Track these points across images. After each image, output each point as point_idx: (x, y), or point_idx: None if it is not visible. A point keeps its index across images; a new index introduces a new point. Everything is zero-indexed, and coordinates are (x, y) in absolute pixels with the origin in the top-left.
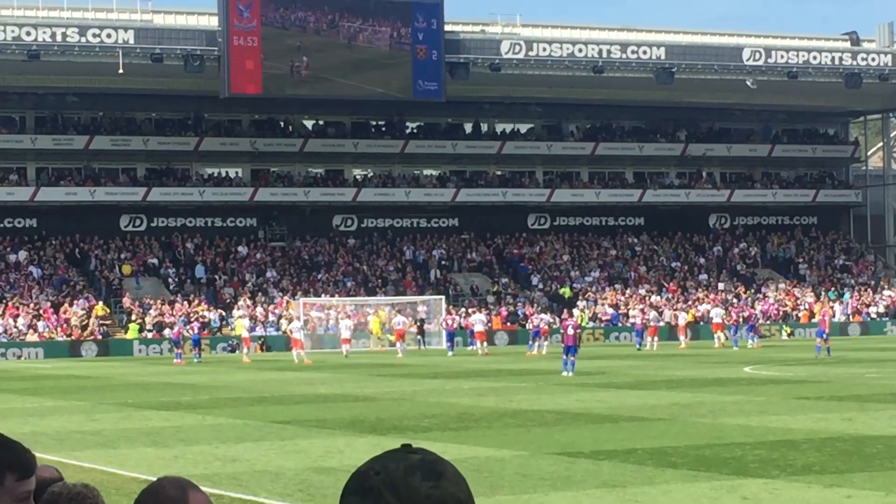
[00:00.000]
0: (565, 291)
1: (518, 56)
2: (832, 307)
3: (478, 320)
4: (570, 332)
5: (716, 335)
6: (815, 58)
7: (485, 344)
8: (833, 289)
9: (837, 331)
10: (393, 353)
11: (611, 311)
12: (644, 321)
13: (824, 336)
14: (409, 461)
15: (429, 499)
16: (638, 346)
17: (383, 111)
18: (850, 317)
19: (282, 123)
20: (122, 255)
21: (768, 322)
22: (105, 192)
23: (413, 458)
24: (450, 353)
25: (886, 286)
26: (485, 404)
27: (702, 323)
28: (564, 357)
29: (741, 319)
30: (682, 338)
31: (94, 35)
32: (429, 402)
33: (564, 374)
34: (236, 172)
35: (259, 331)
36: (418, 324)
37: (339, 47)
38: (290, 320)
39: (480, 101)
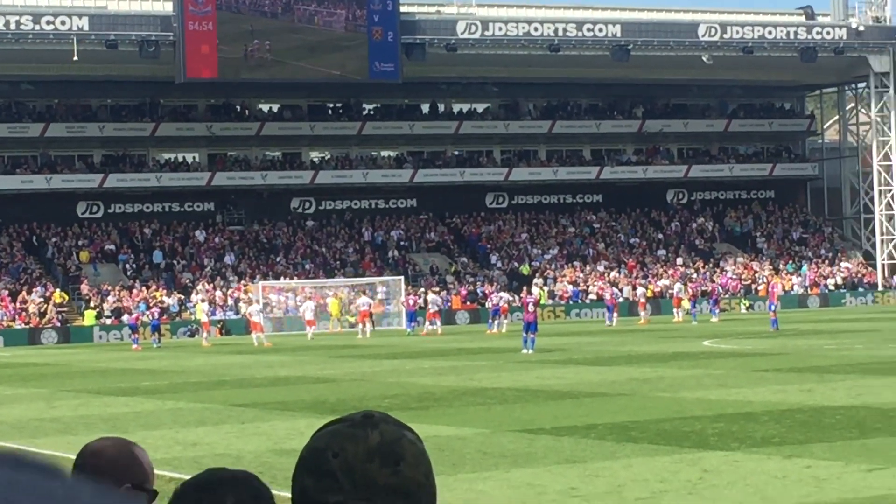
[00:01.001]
0: (524, 269)
1: (474, 36)
2: (784, 280)
3: (430, 301)
4: (531, 309)
5: (675, 310)
6: (770, 32)
7: (438, 322)
8: (791, 262)
9: (796, 303)
10: (353, 334)
11: (570, 288)
12: (613, 297)
13: (773, 309)
14: (368, 444)
15: (387, 487)
16: (610, 323)
17: (340, 93)
18: (809, 289)
19: (238, 107)
20: (80, 242)
21: (727, 296)
22: (61, 179)
23: (373, 438)
24: (408, 331)
25: (844, 258)
26: (445, 383)
27: (661, 298)
28: (524, 335)
29: (699, 294)
30: (642, 313)
31: (48, 22)
32: (389, 383)
33: (524, 351)
34: (193, 157)
35: (219, 315)
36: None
37: (295, 30)
38: (250, 304)
39: (437, 82)
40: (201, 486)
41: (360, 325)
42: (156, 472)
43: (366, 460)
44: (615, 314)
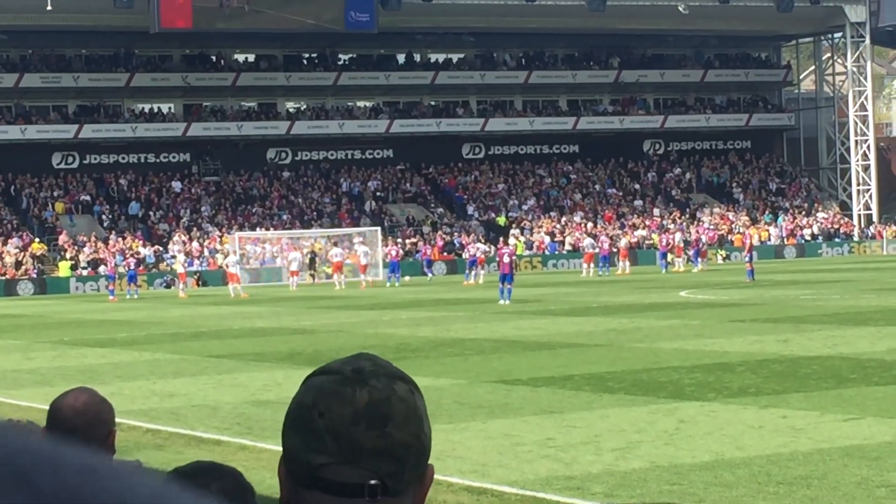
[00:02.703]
0: (501, 220)
1: None
2: (760, 230)
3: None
4: (507, 260)
5: (677, 259)
6: None
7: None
8: (767, 212)
9: (772, 254)
10: (330, 285)
11: (547, 238)
12: (611, 247)
13: (749, 259)
14: (355, 405)
15: (372, 451)
16: (603, 272)
17: (315, 44)
18: (785, 239)
19: (213, 58)
20: (55, 193)
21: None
22: (36, 129)
23: (360, 398)
24: (388, 284)
25: (820, 208)
26: (422, 334)
27: (639, 248)
28: (501, 286)
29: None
30: (622, 263)
31: None
32: (366, 334)
33: (501, 302)
34: (169, 108)
35: (195, 265)
36: (310, 256)
37: None
38: (226, 255)
39: (413, 32)
40: (187, 474)
41: (336, 276)
42: (133, 422)
43: (352, 423)
44: (589, 265)
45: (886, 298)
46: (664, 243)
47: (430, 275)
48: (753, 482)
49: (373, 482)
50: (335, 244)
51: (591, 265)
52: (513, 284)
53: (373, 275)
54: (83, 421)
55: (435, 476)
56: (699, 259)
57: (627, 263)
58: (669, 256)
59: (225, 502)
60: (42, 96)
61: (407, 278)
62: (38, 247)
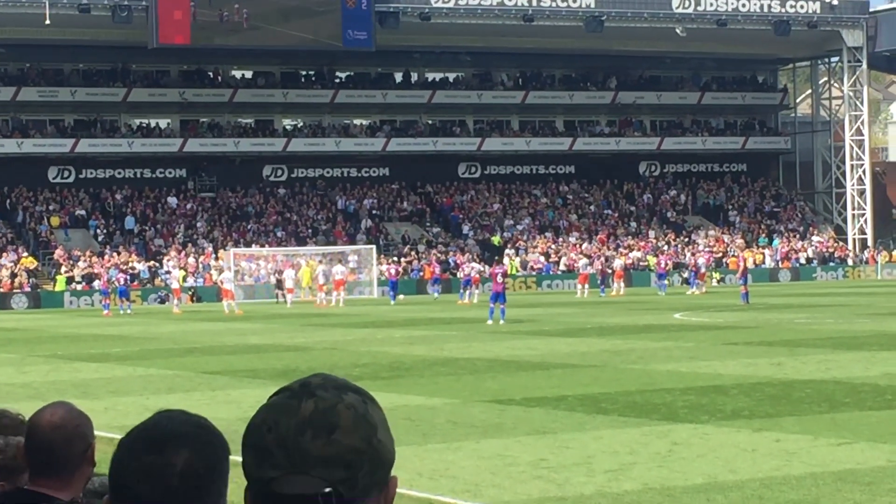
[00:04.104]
0: (496, 240)
1: (448, 5)
2: (754, 253)
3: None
4: (499, 280)
5: (699, 282)
6: (744, 6)
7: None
8: (762, 235)
9: (767, 277)
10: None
11: (542, 259)
12: (605, 268)
13: (744, 282)
14: (301, 415)
15: (320, 458)
16: (602, 293)
17: (313, 61)
18: (780, 263)
19: (211, 74)
20: (51, 207)
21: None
22: (33, 143)
23: (306, 408)
24: (392, 302)
25: (815, 232)
26: (416, 353)
27: (634, 270)
28: (491, 305)
29: (672, 267)
30: (617, 284)
31: None
32: (360, 352)
33: (489, 322)
34: (166, 123)
35: (190, 281)
36: (276, 275)
37: None
38: (221, 271)
39: (410, 51)
40: (149, 443)
41: (336, 294)
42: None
43: (297, 433)
44: (583, 286)
45: (880, 323)
46: (662, 264)
47: (436, 294)
48: None
49: (326, 490)
50: (339, 262)
51: (586, 286)
52: (505, 304)
53: (367, 292)
54: (61, 436)
55: (428, 496)
56: (696, 282)
57: (622, 284)
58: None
59: (192, 482)
60: (39, 110)
61: (402, 297)
62: (27, 261)
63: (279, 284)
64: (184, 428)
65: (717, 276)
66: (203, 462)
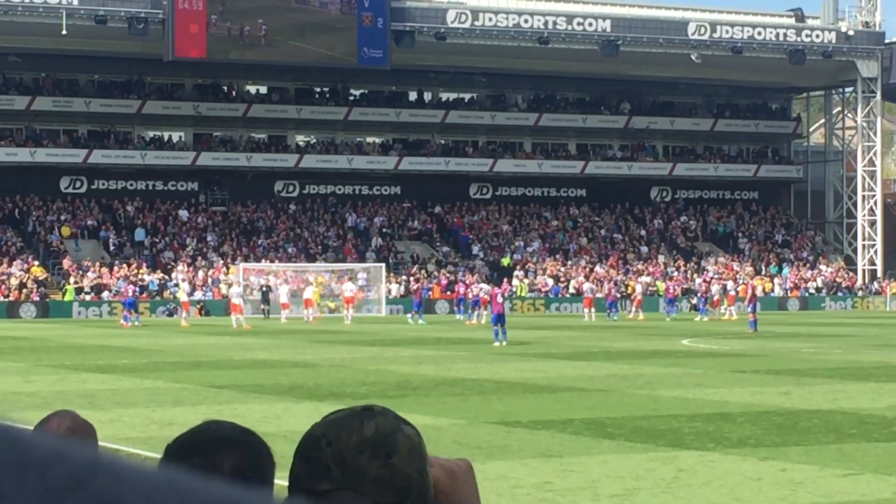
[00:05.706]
0: (505, 261)
1: (464, 25)
2: (763, 282)
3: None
4: (499, 300)
5: (729, 308)
6: (759, 33)
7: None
8: (772, 263)
9: (776, 306)
10: (339, 319)
11: (551, 281)
12: (614, 293)
13: (753, 310)
14: (362, 435)
15: (376, 480)
16: (610, 316)
17: (327, 78)
18: (789, 292)
19: (225, 88)
20: (62, 217)
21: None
22: (46, 153)
23: (368, 429)
24: (420, 321)
25: (825, 262)
26: (423, 372)
27: (645, 295)
28: (495, 327)
29: (681, 293)
30: (635, 309)
31: None
32: (367, 370)
33: (497, 344)
34: (179, 136)
35: (199, 295)
36: (263, 290)
37: (289, 10)
38: (230, 285)
39: (425, 70)
40: (195, 447)
41: (346, 311)
42: (131, 450)
43: (357, 451)
44: (590, 309)
45: (888, 355)
46: (671, 290)
47: (464, 315)
48: None
49: None
50: (349, 279)
51: (592, 309)
52: (506, 325)
53: (376, 310)
54: None
55: None
56: (706, 308)
57: (641, 312)
58: (722, 305)
59: (239, 485)
60: (53, 120)
61: (408, 316)
62: (36, 270)
63: (265, 298)
64: (232, 433)
65: (725, 303)
66: (249, 467)
